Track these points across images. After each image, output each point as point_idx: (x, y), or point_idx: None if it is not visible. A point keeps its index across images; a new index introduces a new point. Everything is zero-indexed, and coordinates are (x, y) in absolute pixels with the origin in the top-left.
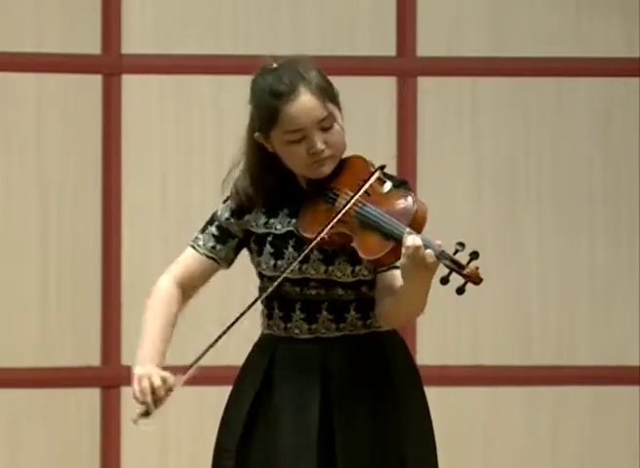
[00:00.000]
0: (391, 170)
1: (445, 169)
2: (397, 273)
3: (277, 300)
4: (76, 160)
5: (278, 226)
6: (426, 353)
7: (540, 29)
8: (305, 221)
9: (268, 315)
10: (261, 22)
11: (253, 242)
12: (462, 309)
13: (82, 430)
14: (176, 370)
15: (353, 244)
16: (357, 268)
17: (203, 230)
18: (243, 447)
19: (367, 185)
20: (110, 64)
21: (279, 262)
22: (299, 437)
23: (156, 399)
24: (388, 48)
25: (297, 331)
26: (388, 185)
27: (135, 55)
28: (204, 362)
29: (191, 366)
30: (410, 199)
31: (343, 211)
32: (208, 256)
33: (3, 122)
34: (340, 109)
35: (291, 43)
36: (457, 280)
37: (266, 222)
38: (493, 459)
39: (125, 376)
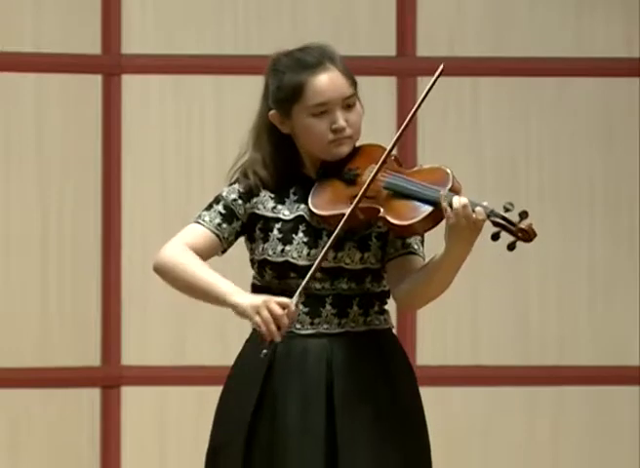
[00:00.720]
0: None
1: None
2: (415, 258)
3: (280, 295)
4: (76, 160)
5: (286, 212)
6: (426, 353)
7: (540, 29)
8: (323, 202)
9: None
10: (262, 22)
11: (258, 229)
12: (462, 309)
13: (82, 430)
14: (176, 370)
15: (382, 214)
16: (366, 255)
17: (208, 208)
18: (248, 447)
19: (388, 153)
20: (110, 64)
21: (287, 247)
22: (306, 436)
23: (280, 326)
24: (388, 48)
25: (298, 325)
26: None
27: (135, 55)
28: (203, 361)
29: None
30: (445, 171)
31: (370, 179)
32: (213, 233)
33: (3, 122)
34: (358, 99)
35: (291, 43)
36: (506, 239)
37: (274, 207)
38: (493, 459)
39: (125, 376)
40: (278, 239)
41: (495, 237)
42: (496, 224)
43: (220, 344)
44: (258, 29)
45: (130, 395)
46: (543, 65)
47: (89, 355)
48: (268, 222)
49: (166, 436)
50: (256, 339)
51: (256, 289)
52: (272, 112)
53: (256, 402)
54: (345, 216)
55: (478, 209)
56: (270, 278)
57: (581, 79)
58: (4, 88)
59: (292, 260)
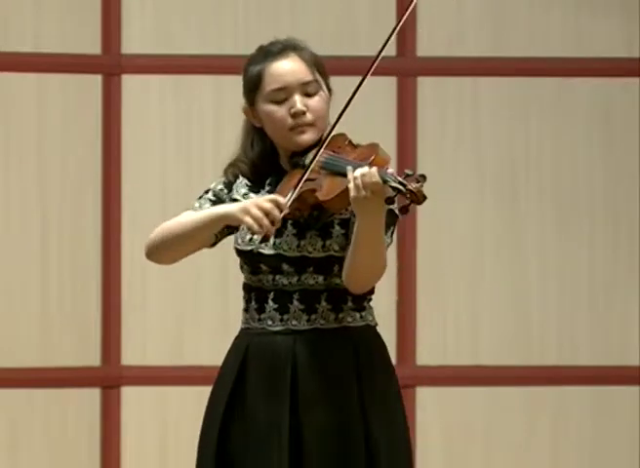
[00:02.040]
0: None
1: (445, 169)
2: None
3: (254, 292)
4: (76, 160)
5: None
6: (426, 353)
7: (540, 29)
8: (281, 188)
9: (246, 308)
10: (261, 22)
11: None
12: (462, 309)
13: (82, 430)
14: (176, 370)
15: (316, 193)
16: (328, 242)
17: (199, 197)
18: (222, 444)
19: (331, 135)
20: (110, 64)
21: (255, 236)
22: (271, 435)
23: (273, 220)
24: (388, 48)
25: (269, 321)
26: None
27: (135, 55)
28: (203, 361)
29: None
30: (375, 149)
31: (310, 162)
32: None
33: (3, 122)
34: (329, 91)
35: None
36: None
37: (245, 194)
38: (493, 459)
39: (125, 376)
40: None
41: (388, 200)
42: (392, 188)
43: (220, 344)
44: (258, 29)
45: (130, 395)
46: (543, 65)
47: (89, 355)
48: None
49: (166, 436)
50: (239, 339)
51: (243, 285)
52: (244, 106)
53: (227, 399)
54: (288, 199)
55: (373, 173)
56: (247, 273)
57: (581, 79)
58: (4, 88)
59: (258, 249)
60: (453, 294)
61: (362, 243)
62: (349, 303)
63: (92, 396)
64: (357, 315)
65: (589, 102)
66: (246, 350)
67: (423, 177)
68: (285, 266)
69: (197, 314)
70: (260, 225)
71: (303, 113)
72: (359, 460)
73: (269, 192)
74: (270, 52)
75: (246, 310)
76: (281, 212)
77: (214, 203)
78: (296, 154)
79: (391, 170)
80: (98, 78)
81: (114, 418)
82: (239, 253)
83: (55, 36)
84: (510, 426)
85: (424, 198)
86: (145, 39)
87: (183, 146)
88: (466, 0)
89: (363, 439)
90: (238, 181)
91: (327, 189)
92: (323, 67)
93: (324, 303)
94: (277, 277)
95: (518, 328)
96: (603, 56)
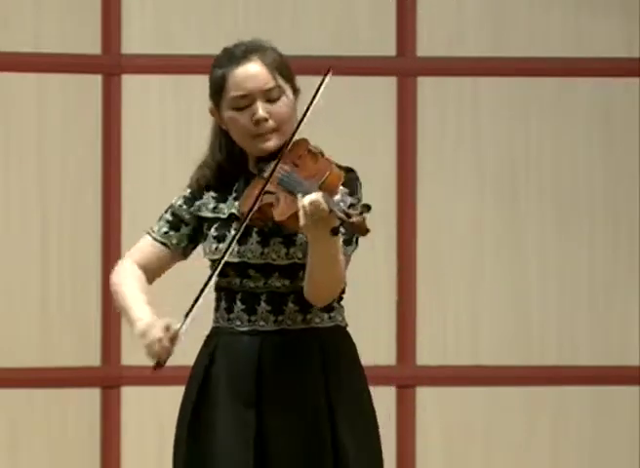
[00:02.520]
0: (391, 169)
1: (445, 169)
2: None
3: (223, 292)
4: (76, 160)
5: (225, 211)
6: (426, 353)
7: (540, 29)
8: (244, 198)
9: (216, 307)
10: (262, 23)
11: (205, 229)
12: (462, 309)
13: (82, 430)
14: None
15: (272, 209)
16: (291, 250)
17: (160, 218)
18: (191, 446)
19: (286, 153)
20: (110, 64)
21: (220, 245)
22: (235, 437)
23: (164, 349)
24: (388, 48)
25: (238, 322)
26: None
27: (135, 55)
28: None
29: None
30: (329, 165)
31: (269, 180)
32: (159, 241)
33: (3, 122)
34: (295, 91)
35: (291, 43)
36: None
37: (215, 207)
38: (493, 459)
39: (125, 376)
40: (213, 237)
41: (334, 230)
42: (338, 218)
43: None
44: (258, 29)
45: (130, 395)
46: (543, 65)
47: (89, 355)
48: (211, 223)
49: (166, 436)
50: (209, 337)
51: (216, 287)
52: (211, 107)
53: (195, 397)
54: (246, 214)
55: (320, 203)
56: (218, 278)
57: (581, 79)
58: (4, 88)
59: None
60: (453, 294)
61: (316, 264)
62: None
63: (92, 396)
64: (325, 316)
65: (589, 102)
66: (214, 349)
67: (367, 208)
68: (251, 272)
69: (196, 314)
70: (154, 351)
71: (266, 120)
72: (326, 461)
73: (235, 199)
74: (233, 55)
75: (216, 309)
76: (172, 340)
77: (171, 225)
78: (262, 159)
79: (338, 196)
80: (98, 78)
81: (114, 418)
82: (209, 261)
83: (55, 36)
84: (510, 426)
85: (367, 231)
86: (145, 39)
87: (183, 146)
88: (466, 0)
89: (330, 440)
90: (205, 197)
91: (281, 209)
92: (287, 69)
93: (291, 305)
94: (244, 280)
95: (518, 328)
96: (603, 56)
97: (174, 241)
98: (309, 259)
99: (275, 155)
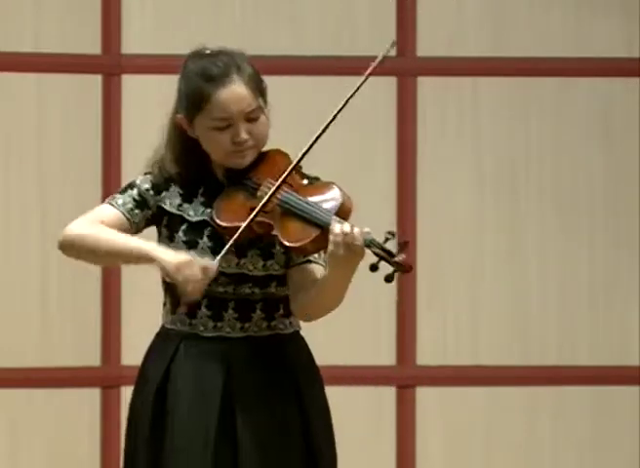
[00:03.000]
0: (391, 169)
1: (445, 169)
2: (314, 267)
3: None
4: (76, 160)
5: (191, 213)
6: (426, 353)
7: (541, 29)
8: (224, 211)
9: (172, 310)
10: (261, 22)
11: (164, 226)
12: (462, 309)
13: (82, 430)
14: None
15: (274, 232)
16: (269, 263)
17: (122, 192)
18: (152, 447)
19: (288, 173)
20: (110, 64)
21: (192, 252)
22: (196, 439)
23: (198, 289)
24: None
25: (201, 328)
26: (307, 180)
27: (135, 55)
28: None
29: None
30: (336, 189)
31: (266, 198)
32: (124, 215)
33: (3, 122)
34: (266, 103)
35: (291, 43)
36: (386, 268)
37: (180, 205)
38: (493, 459)
39: (125, 376)
40: (183, 242)
41: (373, 268)
42: (375, 254)
43: None
44: (257, 29)
45: (129, 395)
46: (543, 65)
47: (89, 355)
48: (173, 221)
49: None
50: (164, 338)
51: (165, 285)
52: (180, 116)
53: (154, 397)
54: (239, 231)
55: (357, 238)
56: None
57: (581, 79)
58: (4, 88)
59: None
60: (453, 294)
61: (329, 289)
62: (281, 310)
63: (92, 396)
64: (287, 321)
65: (589, 102)
66: (174, 353)
67: (406, 244)
68: (222, 278)
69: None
70: (187, 288)
71: (246, 141)
72: (296, 460)
73: (203, 204)
74: (212, 75)
75: (173, 312)
76: (208, 281)
77: (137, 204)
78: (232, 170)
79: (368, 229)
80: (98, 78)
81: (114, 418)
82: None
83: (55, 36)
84: (510, 426)
85: (411, 268)
86: (145, 39)
87: None
88: (466, 0)
89: (303, 445)
90: (171, 190)
91: (291, 234)
92: (261, 83)
93: (259, 312)
94: (212, 285)
95: (518, 328)
96: (603, 56)
97: (136, 219)
98: (322, 283)
99: (246, 169)
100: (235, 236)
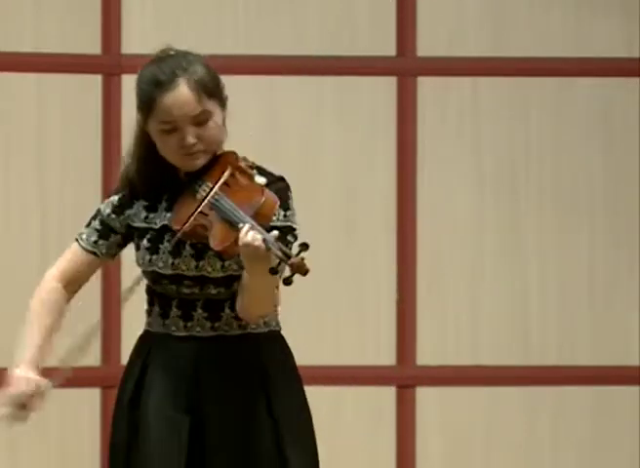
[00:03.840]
0: (390, 169)
1: (445, 169)
2: None
3: (157, 297)
4: (76, 160)
5: (157, 221)
6: (426, 353)
7: (541, 29)
8: (175, 214)
9: (149, 311)
10: (262, 22)
11: (136, 238)
12: (462, 309)
13: (82, 430)
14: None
15: (207, 233)
16: (227, 263)
17: (88, 225)
18: (128, 447)
19: (224, 178)
20: (110, 64)
21: (154, 257)
22: (168, 443)
23: (26, 404)
24: (388, 48)
25: (173, 327)
26: (259, 179)
27: (135, 55)
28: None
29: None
30: (262, 191)
31: (203, 203)
32: (89, 251)
33: (3, 122)
34: (223, 105)
35: (291, 43)
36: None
37: (146, 217)
38: (493, 459)
39: None
40: (146, 248)
41: (272, 270)
42: (276, 256)
43: None
44: (258, 29)
45: None
46: (543, 65)
47: (89, 355)
48: (142, 232)
49: None
50: (142, 340)
51: (148, 291)
52: (138, 119)
53: (131, 395)
54: (177, 235)
55: (258, 241)
56: (150, 283)
57: (581, 79)
58: (4, 88)
59: (158, 270)
60: (453, 294)
61: (250, 289)
62: None
63: (92, 396)
64: (260, 321)
65: (589, 102)
66: (147, 354)
67: (305, 246)
68: (186, 282)
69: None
70: (12, 403)
71: (193, 145)
72: (267, 460)
73: (166, 209)
74: (159, 80)
75: (149, 314)
76: (35, 400)
77: (100, 234)
78: (189, 173)
79: (275, 232)
80: (98, 78)
81: None
82: (142, 271)
83: (55, 36)
84: (510, 426)
85: (307, 272)
86: (145, 39)
87: None
88: (466, 0)
89: (274, 447)
90: (135, 207)
91: (218, 237)
92: (215, 85)
93: (227, 311)
94: (180, 287)
95: (518, 328)
96: (603, 56)
97: (103, 250)
98: (242, 283)
99: (202, 170)
100: (175, 238)
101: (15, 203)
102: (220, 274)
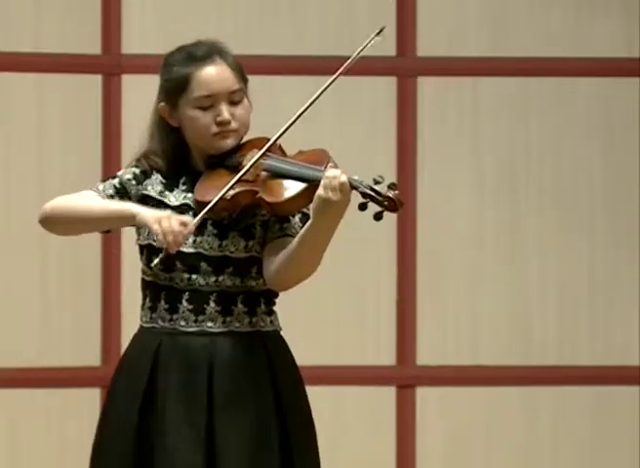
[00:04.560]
0: (390, 169)
1: (445, 169)
2: (290, 240)
3: (164, 292)
4: (76, 160)
5: (172, 199)
6: (426, 353)
7: (540, 29)
8: (203, 188)
9: (152, 308)
10: (262, 22)
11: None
12: (462, 309)
13: (82, 430)
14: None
15: (259, 195)
16: (250, 243)
17: (104, 180)
18: (136, 445)
19: (274, 140)
20: (110, 64)
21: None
22: (185, 435)
23: (177, 241)
24: (388, 48)
25: (182, 322)
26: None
27: (135, 55)
28: None
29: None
30: (322, 150)
31: (250, 163)
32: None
33: (3, 122)
34: (246, 93)
35: (291, 43)
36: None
37: (162, 192)
38: (493, 459)
39: None
40: None
41: (362, 206)
42: (364, 195)
43: None
44: (258, 29)
45: None
46: (543, 65)
47: (89, 355)
48: (156, 205)
49: None
50: (143, 337)
51: (144, 283)
52: (161, 105)
53: (141, 400)
54: (219, 195)
55: (344, 177)
56: (157, 269)
57: (581, 79)
58: (4, 88)
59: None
60: (453, 294)
61: (310, 242)
62: (262, 306)
63: (92, 396)
64: (268, 319)
65: (589, 102)
66: (157, 350)
67: (395, 186)
68: (203, 265)
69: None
70: (166, 239)
71: (229, 122)
72: (274, 459)
73: (184, 191)
74: (196, 56)
75: (153, 309)
76: (186, 235)
77: (118, 191)
78: (213, 156)
79: (356, 176)
80: (98, 78)
81: None
82: (152, 248)
83: (55, 36)
84: (510, 426)
85: (402, 204)
86: (145, 39)
87: None
88: (466, 0)
89: (278, 438)
90: (153, 177)
91: (277, 192)
92: (244, 72)
93: (240, 306)
94: (193, 276)
95: (518, 328)
96: (603, 56)
97: None
98: (303, 236)
99: (227, 154)
100: (213, 202)
101: (15, 203)
102: (243, 254)
